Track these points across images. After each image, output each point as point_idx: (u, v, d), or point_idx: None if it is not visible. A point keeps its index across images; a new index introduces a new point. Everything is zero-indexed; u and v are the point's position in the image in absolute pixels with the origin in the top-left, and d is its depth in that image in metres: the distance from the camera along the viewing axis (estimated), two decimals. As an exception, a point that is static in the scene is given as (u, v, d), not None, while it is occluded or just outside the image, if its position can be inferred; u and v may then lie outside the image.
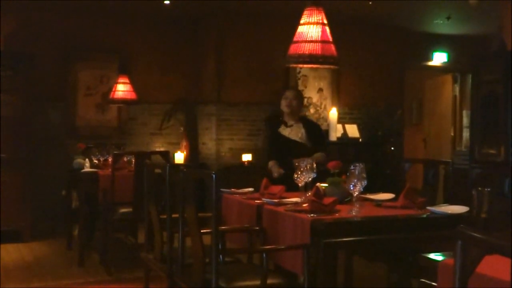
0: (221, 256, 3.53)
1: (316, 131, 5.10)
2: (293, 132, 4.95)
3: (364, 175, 3.40)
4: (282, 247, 3.34)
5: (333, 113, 8.20)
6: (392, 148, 8.64)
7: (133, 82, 7.51)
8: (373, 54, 8.82)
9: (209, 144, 8.27)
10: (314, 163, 3.74)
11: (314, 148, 4.86)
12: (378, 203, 3.72)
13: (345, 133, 8.34)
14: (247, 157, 7.98)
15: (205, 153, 8.37)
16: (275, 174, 4.77)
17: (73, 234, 6.68)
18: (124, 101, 7.54)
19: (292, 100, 4.98)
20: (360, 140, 8.46)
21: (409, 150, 9.63)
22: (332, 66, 4.20)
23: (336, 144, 8.08)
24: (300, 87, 8.37)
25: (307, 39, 3.80)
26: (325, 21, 3.88)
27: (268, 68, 8.16)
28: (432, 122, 10.40)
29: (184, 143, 8.38)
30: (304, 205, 3.49)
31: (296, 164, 3.69)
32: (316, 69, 8.16)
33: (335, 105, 8.48)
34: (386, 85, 8.93)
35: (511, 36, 6.00)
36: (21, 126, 7.08)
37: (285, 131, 4.98)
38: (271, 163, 4.90)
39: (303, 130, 4.95)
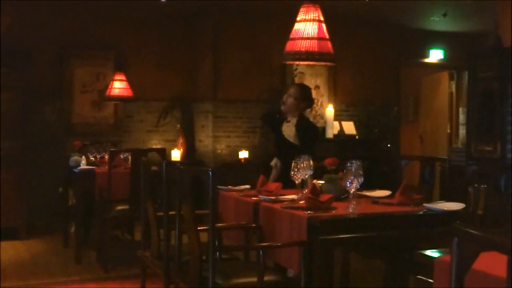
0: (218, 253, 3.53)
1: (304, 131, 4.87)
2: (288, 128, 4.89)
3: (361, 172, 3.40)
4: (279, 244, 3.35)
5: (329, 110, 8.20)
6: (389, 145, 8.65)
7: (129, 79, 7.49)
8: (369, 51, 8.83)
9: (205, 141, 8.27)
10: (310, 160, 3.76)
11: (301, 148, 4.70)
12: (375, 200, 3.73)
13: (341, 130, 8.35)
14: (243, 154, 7.99)
15: (202, 150, 8.36)
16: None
17: (69, 232, 6.67)
18: (120, 98, 7.52)
19: (288, 97, 4.85)
20: (357, 137, 8.47)
21: (405, 147, 9.64)
22: (328, 63, 4.20)
23: (332, 141, 8.09)
24: (297, 84, 8.37)
25: (304, 36, 3.80)
26: (322, 18, 3.88)
27: (264, 65, 8.15)
28: (429, 119, 10.41)
29: (180, 141, 8.37)
30: (301, 202, 3.50)
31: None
32: (313, 66, 8.16)
33: (332, 102, 8.49)
34: (382, 82, 8.94)
35: (507, 33, 6.01)
36: (17, 123, 7.07)
37: (283, 126, 4.94)
38: (273, 162, 4.97)
39: (294, 129, 4.85)
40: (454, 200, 3.56)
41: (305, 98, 4.94)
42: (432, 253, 2.27)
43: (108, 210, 5.70)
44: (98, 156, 6.47)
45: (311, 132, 4.95)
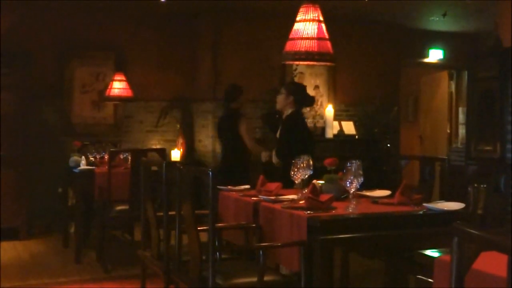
0: (218, 253, 3.53)
1: (286, 124, 4.93)
2: (279, 127, 5.01)
3: (361, 172, 3.40)
4: (279, 244, 3.35)
5: (329, 110, 8.20)
6: (388, 145, 8.64)
7: (129, 80, 7.49)
8: (369, 51, 8.82)
9: (205, 141, 8.27)
10: (310, 159, 3.76)
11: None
12: (375, 200, 3.73)
13: (341, 130, 8.35)
14: (243, 154, 7.98)
15: (202, 150, 8.36)
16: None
17: (69, 232, 6.67)
18: (120, 99, 7.53)
19: (277, 97, 5.02)
20: (357, 137, 8.46)
21: (405, 147, 9.64)
22: (328, 63, 4.21)
23: (332, 141, 8.09)
24: (297, 84, 8.37)
25: (303, 36, 3.81)
26: (321, 18, 3.88)
27: (264, 65, 8.15)
28: (428, 119, 10.42)
29: (180, 141, 8.37)
30: (301, 202, 3.50)
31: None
32: (313, 66, 8.15)
33: (331, 102, 8.48)
34: (382, 82, 8.93)
35: (506, 33, 6.01)
36: (17, 123, 7.07)
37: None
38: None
39: (281, 126, 4.97)
40: (453, 200, 3.57)
41: (293, 92, 4.98)
42: (432, 253, 2.27)
43: (108, 210, 5.70)
44: (98, 156, 6.47)
45: (292, 125, 4.92)
